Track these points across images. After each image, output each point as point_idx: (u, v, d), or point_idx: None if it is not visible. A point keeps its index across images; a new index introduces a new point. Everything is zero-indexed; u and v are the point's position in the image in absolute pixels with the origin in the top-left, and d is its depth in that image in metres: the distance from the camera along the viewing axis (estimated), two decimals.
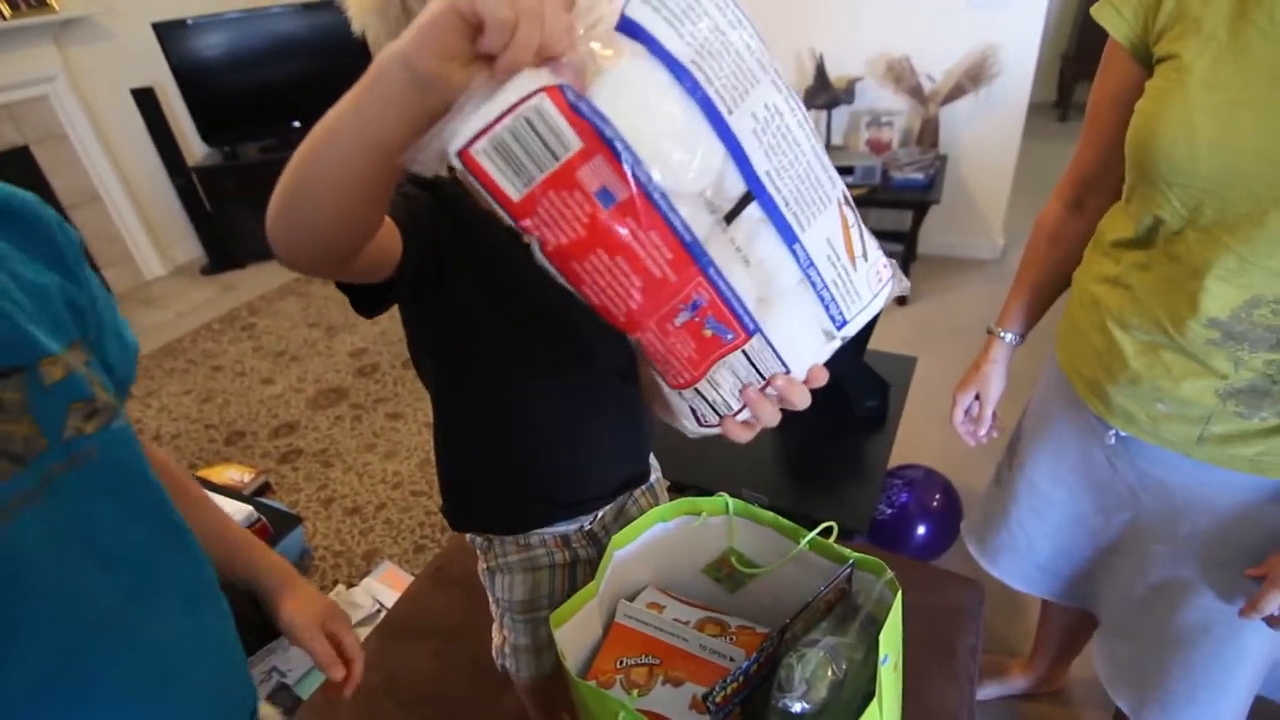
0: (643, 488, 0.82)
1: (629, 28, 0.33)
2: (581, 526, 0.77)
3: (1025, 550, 0.95)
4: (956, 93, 2.73)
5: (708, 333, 0.40)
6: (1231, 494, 0.73)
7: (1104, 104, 0.77)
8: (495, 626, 0.86)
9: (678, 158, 0.35)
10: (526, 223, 0.35)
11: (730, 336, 0.41)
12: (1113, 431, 0.79)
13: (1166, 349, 0.71)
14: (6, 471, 0.42)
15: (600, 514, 0.78)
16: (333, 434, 2.38)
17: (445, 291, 0.57)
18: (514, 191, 0.34)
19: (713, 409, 0.45)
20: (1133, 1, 0.70)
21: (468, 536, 0.81)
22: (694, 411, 0.46)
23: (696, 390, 0.44)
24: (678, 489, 1.02)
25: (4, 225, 0.47)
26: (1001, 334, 0.95)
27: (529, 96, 0.32)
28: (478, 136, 0.32)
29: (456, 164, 0.33)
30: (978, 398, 0.97)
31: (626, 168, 0.34)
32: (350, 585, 1.78)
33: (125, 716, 0.47)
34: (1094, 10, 0.73)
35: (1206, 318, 0.66)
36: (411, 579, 1.59)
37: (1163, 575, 0.80)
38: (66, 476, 0.45)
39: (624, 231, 0.35)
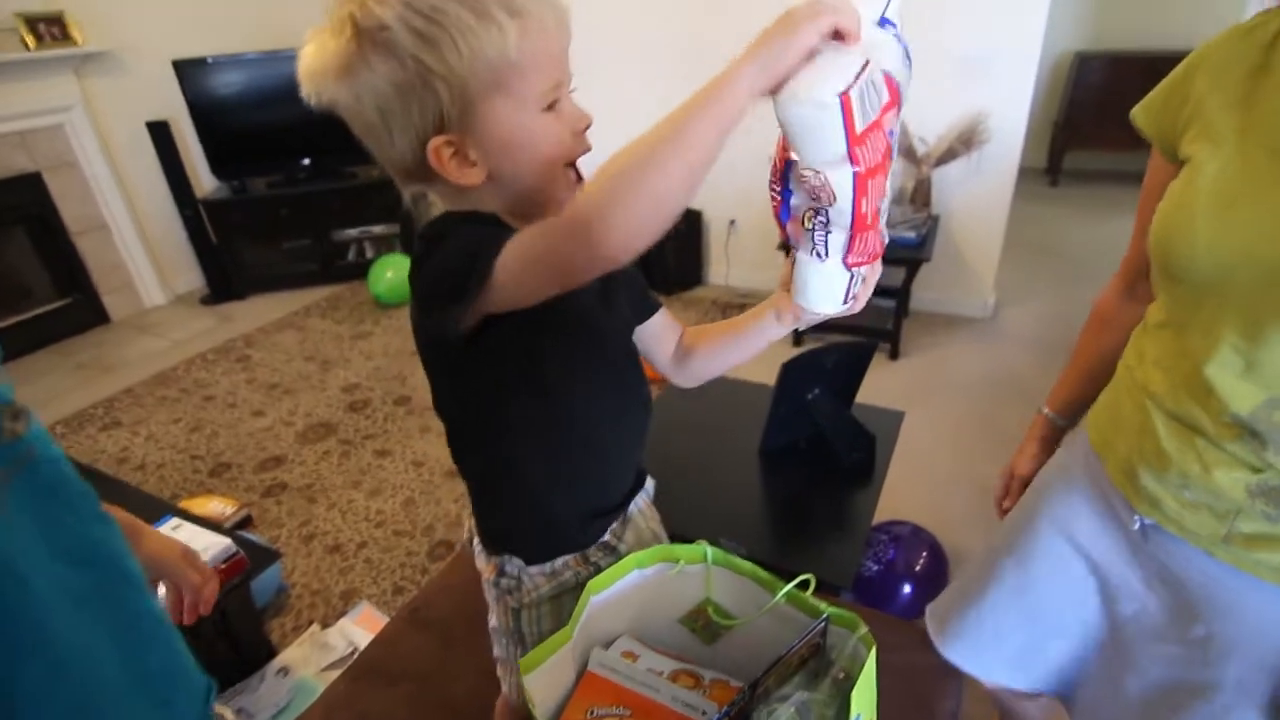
0: (642, 493, 0.83)
1: (883, 23, 0.52)
2: (604, 541, 0.77)
3: (991, 639, 0.91)
4: (949, 156, 2.81)
5: (882, 223, 0.59)
6: (1256, 602, 0.69)
7: (1145, 197, 0.80)
8: (505, 671, 0.83)
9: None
10: (855, 150, 0.50)
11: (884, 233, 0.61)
12: (1138, 518, 0.76)
13: (1198, 435, 0.69)
14: None
15: (615, 522, 0.79)
16: (319, 469, 2.36)
17: (533, 309, 0.57)
18: (861, 124, 0.49)
19: (862, 282, 0.63)
20: (1157, 103, 0.73)
21: (488, 582, 0.79)
22: (849, 287, 0.62)
23: (874, 266, 0.62)
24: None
25: None
26: (1046, 412, 0.97)
27: (866, 65, 0.48)
28: (849, 87, 0.48)
29: (831, 103, 0.48)
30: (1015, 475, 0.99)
31: (901, 114, 0.53)
32: (325, 625, 1.74)
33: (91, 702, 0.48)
34: (1133, 114, 0.77)
35: (1229, 413, 0.66)
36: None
37: (1166, 676, 0.76)
38: (17, 482, 0.45)
39: (890, 157, 0.54)
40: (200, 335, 3.39)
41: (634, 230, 0.47)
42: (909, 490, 1.99)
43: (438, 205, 0.65)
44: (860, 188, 0.53)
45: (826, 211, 0.55)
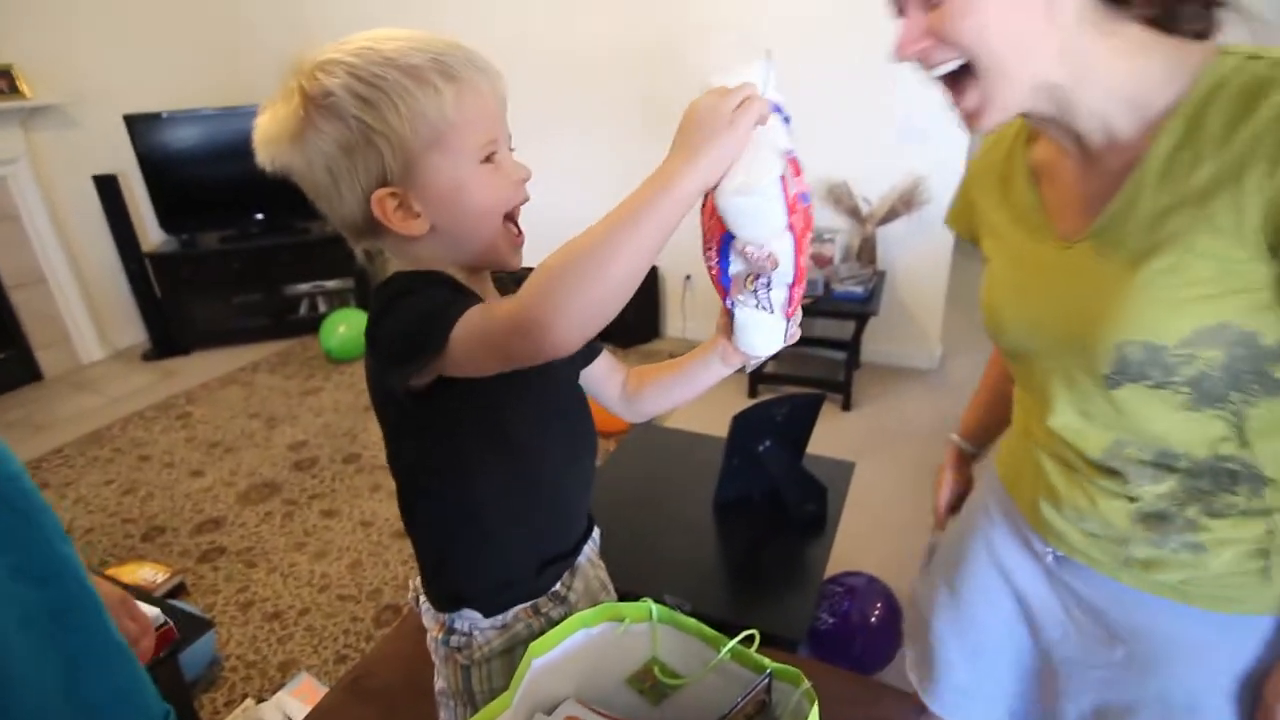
0: (590, 541, 0.85)
1: (775, 107, 0.58)
2: (554, 590, 0.78)
3: (944, 668, 0.93)
4: (891, 215, 2.95)
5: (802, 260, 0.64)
6: (1165, 619, 0.73)
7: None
8: None
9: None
10: (792, 220, 0.57)
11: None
12: (1048, 550, 0.79)
13: (1075, 471, 0.74)
14: None
15: (566, 571, 0.80)
16: (260, 531, 2.27)
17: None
18: (791, 196, 0.56)
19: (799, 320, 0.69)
20: (956, 210, 0.86)
21: (436, 640, 0.78)
22: (788, 329, 0.68)
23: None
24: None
25: None
26: (956, 439, 1.04)
27: (787, 150, 0.56)
28: (783, 171, 0.55)
29: (773, 190, 0.54)
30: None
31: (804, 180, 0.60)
32: (260, 699, 1.64)
33: None
34: (946, 221, 0.89)
35: (1084, 455, 0.71)
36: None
37: (1098, 700, 0.79)
38: None
39: (810, 213, 0.60)
40: (139, 392, 3.27)
41: (576, 327, 0.50)
42: (863, 541, 2.00)
43: (393, 261, 0.68)
44: (798, 249, 0.59)
45: (769, 274, 0.60)
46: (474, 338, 0.55)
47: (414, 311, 0.58)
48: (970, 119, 0.64)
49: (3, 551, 0.48)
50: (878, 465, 2.42)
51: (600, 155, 3.42)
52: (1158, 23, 0.61)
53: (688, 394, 0.83)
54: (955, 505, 1.05)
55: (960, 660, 0.91)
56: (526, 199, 0.66)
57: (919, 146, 2.88)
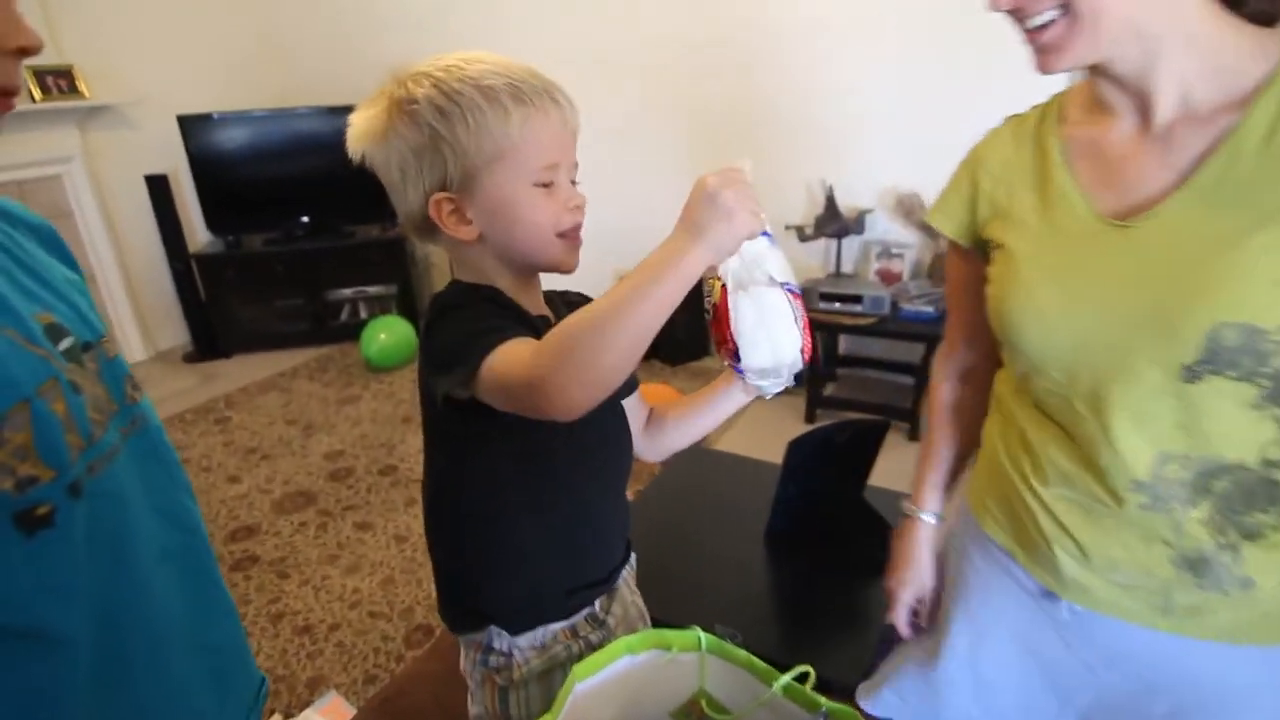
0: (627, 566, 0.89)
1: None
2: (591, 610, 0.82)
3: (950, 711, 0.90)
4: None
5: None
6: (1212, 663, 0.70)
7: (957, 290, 0.89)
8: None
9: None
10: (804, 355, 0.70)
11: None
12: (1065, 605, 0.76)
13: (1106, 516, 0.71)
14: (101, 424, 0.55)
15: (602, 595, 0.83)
16: (294, 541, 2.35)
17: None
18: (807, 355, 0.70)
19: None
20: (954, 204, 0.83)
21: (473, 662, 0.81)
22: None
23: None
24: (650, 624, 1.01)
25: (38, 238, 0.64)
26: (921, 515, 0.94)
27: (792, 296, 0.69)
28: (803, 336, 0.69)
29: (795, 366, 0.71)
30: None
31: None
32: (288, 715, 1.69)
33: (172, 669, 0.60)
34: (928, 217, 0.86)
35: (1130, 481, 0.68)
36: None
37: None
38: (132, 440, 0.58)
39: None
40: (179, 394, 3.43)
41: (582, 394, 0.55)
42: None
43: (439, 268, 0.76)
44: (806, 360, 0.71)
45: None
46: (494, 379, 0.60)
47: (460, 328, 0.65)
48: (1045, 54, 0.64)
49: (148, 492, 0.59)
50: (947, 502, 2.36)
51: (671, 161, 3.47)
52: (1228, 2, 0.62)
53: (709, 424, 0.88)
54: (931, 613, 0.94)
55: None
56: (578, 221, 0.73)
57: None
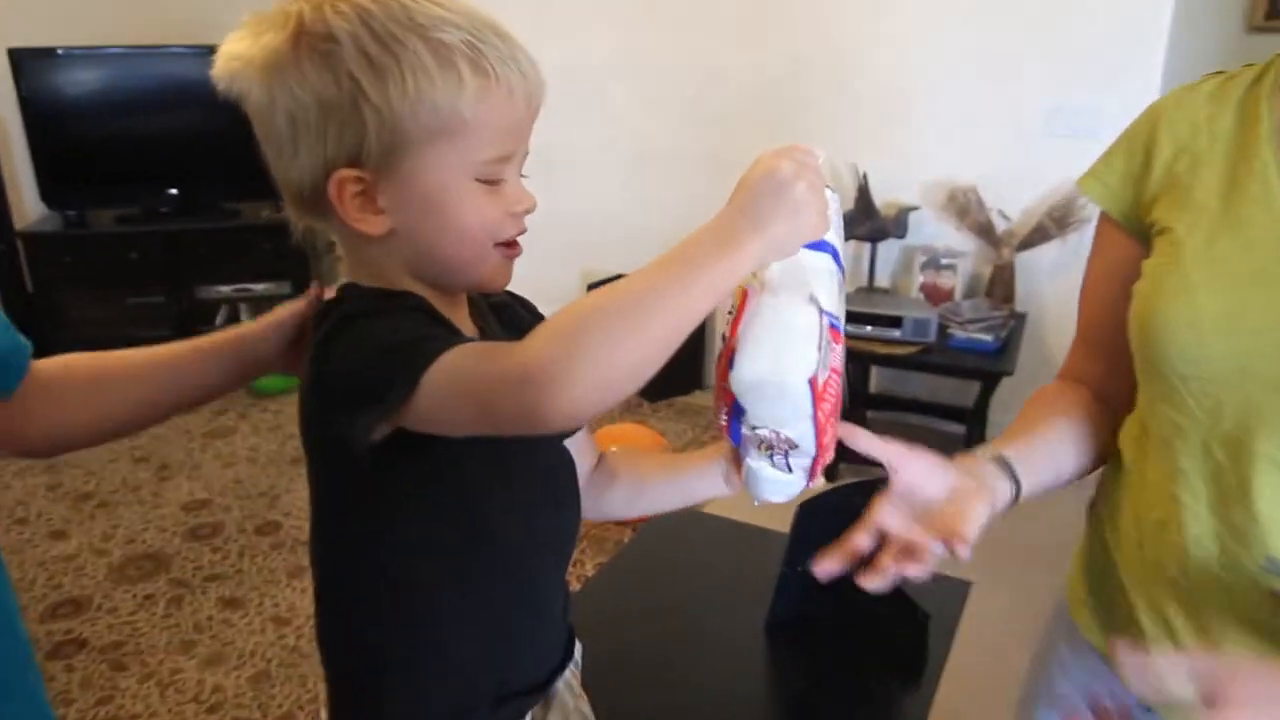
0: (571, 665, 0.89)
1: (829, 249, 0.68)
2: None
3: None
4: (1037, 236, 2.96)
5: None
6: None
7: (1096, 280, 0.90)
8: None
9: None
10: (819, 411, 0.67)
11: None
12: None
13: (1224, 608, 0.73)
14: None
15: (536, 704, 0.83)
16: (135, 621, 2.30)
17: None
18: (821, 383, 0.66)
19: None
20: (1118, 170, 0.84)
21: None
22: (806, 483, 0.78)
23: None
24: None
25: None
26: (981, 449, 0.90)
27: (821, 321, 0.67)
28: (815, 365, 0.65)
29: (801, 388, 0.65)
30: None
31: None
32: None
33: None
34: (1079, 182, 0.89)
35: (1265, 558, 0.70)
36: None
37: None
38: None
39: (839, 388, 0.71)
40: None
41: (591, 394, 0.54)
42: (979, 694, 1.96)
43: (345, 260, 0.74)
44: (821, 432, 0.69)
45: (787, 452, 0.72)
46: (454, 385, 0.58)
47: (377, 340, 0.62)
48: None
49: None
50: (1003, 587, 2.37)
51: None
52: None
53: (670, 502, 0.91)
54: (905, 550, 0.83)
55: None
56: (522, 231, 0.72)
57: (1077, 142, 2.91)
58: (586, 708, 0.90)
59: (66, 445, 0.86)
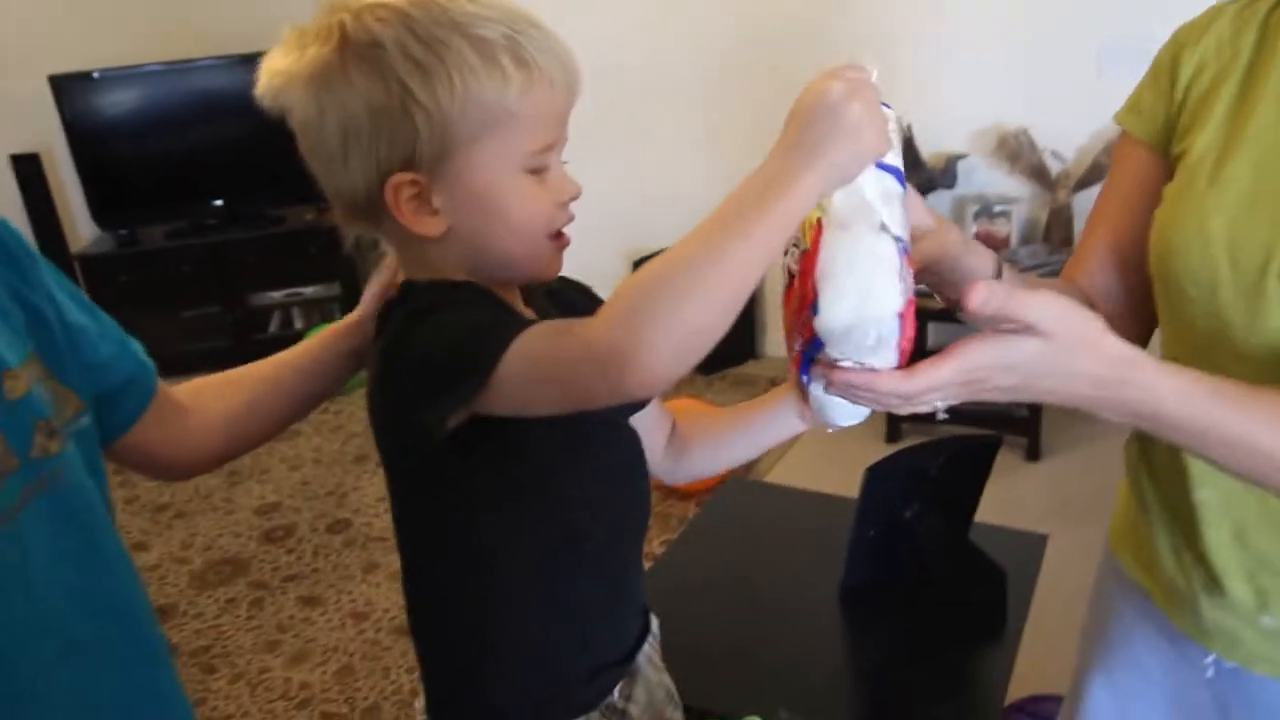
0: (650, 639, 0.90)
1: (893, 171, 0.66)
2: (609, 700, 0.82)
3: None
4: (1094, 175, 2.88)
5: None
6: None
7: (1118, 191, 0.89)
8: None
9: None
10: (904, 344, 0.63)
11: None
12: (1211, 659, 0.79)
13: (1255, 528, 0.73)
14: None
15: (624, 677, 0.84)
16: (221, 624, 2.38)
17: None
18: (908, 324, 0.64)
19: None
20: (1148, 97, 0.85)
21: None
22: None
23: None
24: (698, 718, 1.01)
25: None
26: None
27: (901, 249, 0.64)
28: (907, 296, 0.63)
29: (888, 323, 0.61)
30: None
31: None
32: None
33: None
34: (1116, 117, 0.89)
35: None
36: None
37: None
38: (39, 503, 0.59)
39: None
40: None
41: (669, 360, 0.54)
42: (1061, 647, 1.94)
43: (401, 260, 0.76)
44: (903, 356, 0.65)
45: None
46: (533, 366, 0.60)
47: (450, 329, 0.64)
48: None
49: (56, 568, 0.61)
50: (1079, 539, 2.33)
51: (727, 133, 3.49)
52: None
53: (749, 452, 0.91)
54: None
55: None
56: (570, 220, 0.74)
57: (1130, 75, 2.81)
58: (669, 681, 0.92)
59: (208, 465, 0.89)
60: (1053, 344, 0.59)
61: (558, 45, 0.68)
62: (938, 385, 0.61)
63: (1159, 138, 0.84)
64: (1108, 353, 0.61)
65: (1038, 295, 0.59)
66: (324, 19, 0.67)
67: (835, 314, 0.62)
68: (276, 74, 0.68)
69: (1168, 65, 0.83)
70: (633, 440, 0.85)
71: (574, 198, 0.73)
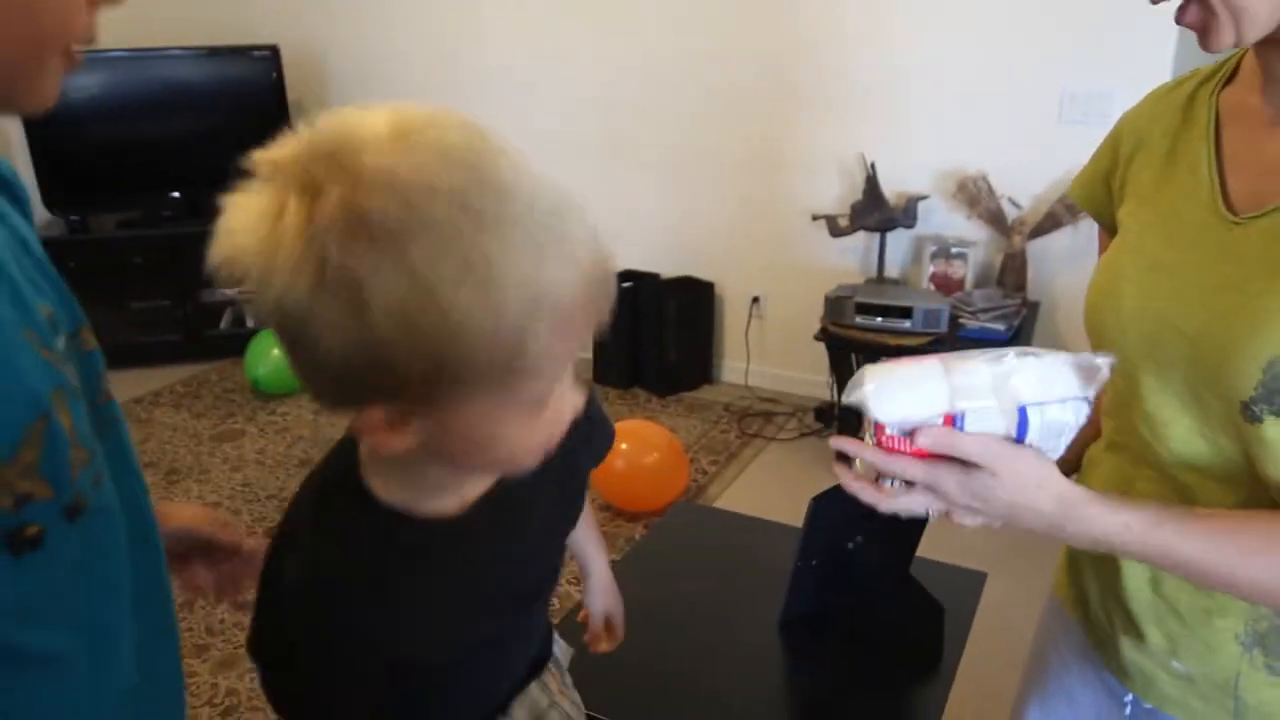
0: (553, 663, 0.91)
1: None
2: None
3: None
4: (1049, 224, 2.96)
5: None
6: None
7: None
8: None
9: None
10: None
11: None
12: (1130, 698, 0.84)
13: (1167, 577, 0.77)
14: (93, 435, 0.59)
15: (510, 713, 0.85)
16: None
17: None
18: None
19: None
20: (1089, 175, 0.91)
21: None
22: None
23: None
24: None
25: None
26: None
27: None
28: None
29: None
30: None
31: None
32: None
33: None
34: (1069, 190, 0.96)
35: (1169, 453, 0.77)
36: None
37: None
38: (108, 446, 0.62)
39: None
40: None
41: None
42: (996, 685, 1.96)
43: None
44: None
45: None
46: None
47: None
48: (1206, 35, 0.68)
49: (124, 506, 0.64)
50: (1019, 578, 2.37)
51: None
52: None
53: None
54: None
55: None
56: (564, 433, 0.65)
57: (1087, 129, 2.89)
58: (568, 704, 0.93)
59: None
60: (999, 479, 0.66)
61: (608, 274, 0.58)
62: (904, 469, 0.70)
63: (1100, 212, 0.90)
64: (1049, 491, 0.68)
65: (978, 436, 0.67)
66: (306, 238, 0.53)
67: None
68: (243, 254, 0.57)
69: (1112, 141, 0.90)
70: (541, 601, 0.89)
71: (575, 413, 0.64)
